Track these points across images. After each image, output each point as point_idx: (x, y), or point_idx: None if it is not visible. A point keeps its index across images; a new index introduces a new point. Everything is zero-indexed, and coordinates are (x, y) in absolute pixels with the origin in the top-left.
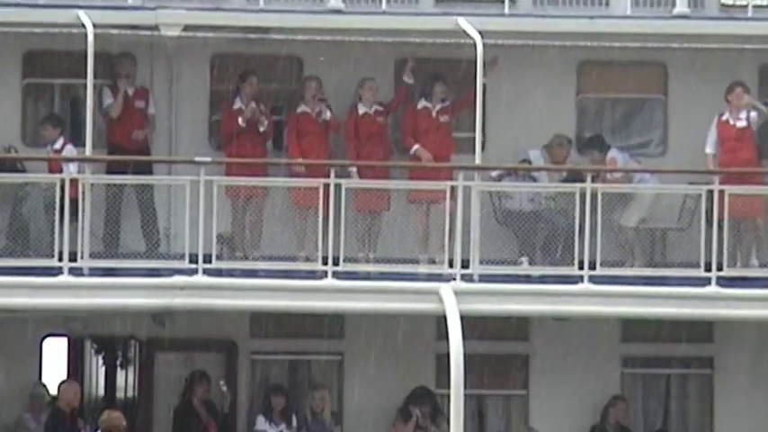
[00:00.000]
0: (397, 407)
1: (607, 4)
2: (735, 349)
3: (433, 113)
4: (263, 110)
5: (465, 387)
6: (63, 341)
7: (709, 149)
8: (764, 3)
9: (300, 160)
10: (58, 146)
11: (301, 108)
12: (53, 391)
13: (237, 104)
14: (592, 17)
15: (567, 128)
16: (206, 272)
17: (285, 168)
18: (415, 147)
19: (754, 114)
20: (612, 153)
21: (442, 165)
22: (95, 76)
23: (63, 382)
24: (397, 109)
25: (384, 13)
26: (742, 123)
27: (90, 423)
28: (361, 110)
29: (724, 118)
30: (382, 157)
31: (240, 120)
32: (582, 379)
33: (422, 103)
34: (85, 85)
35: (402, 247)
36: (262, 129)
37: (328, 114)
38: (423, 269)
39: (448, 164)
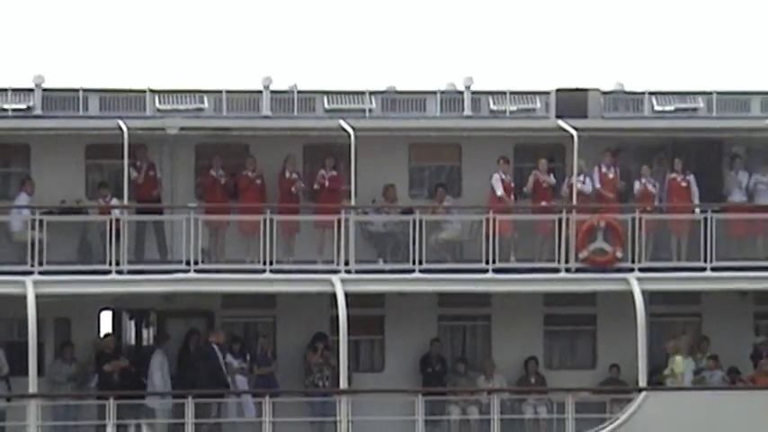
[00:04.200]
0: (307, 344)
1: (424, 109)
2: (508, 311)
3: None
4: (222, 174)
5: (348, 334)
6: (109, 312)
7: (498, 192)
8: (519, 108)
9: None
10: (107, 199)
11: (243, 172)
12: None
13: (212, 172)
14: (417, 118)
15: (401, 182)
16: (195, 270)
17: (238, 210)
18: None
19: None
20: (494, 177)
21: (335, 206)
22: (128, 157)
23: (107, 334)
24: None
25: (296, 117)
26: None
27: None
28: (287, 174)
29: (500, 176)
30: (295, 202)
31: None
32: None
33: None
34: (123, 163)
35: (310, 254)
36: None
37: (258, 181)
38: (322, 267)
39: (337, 205)
